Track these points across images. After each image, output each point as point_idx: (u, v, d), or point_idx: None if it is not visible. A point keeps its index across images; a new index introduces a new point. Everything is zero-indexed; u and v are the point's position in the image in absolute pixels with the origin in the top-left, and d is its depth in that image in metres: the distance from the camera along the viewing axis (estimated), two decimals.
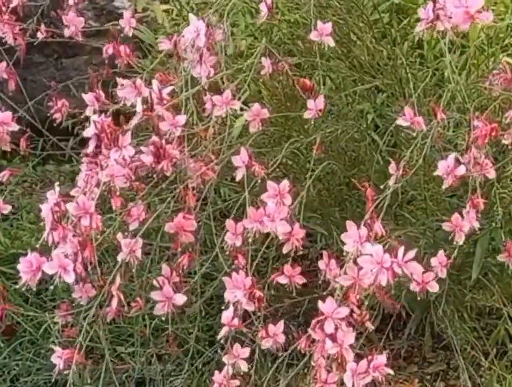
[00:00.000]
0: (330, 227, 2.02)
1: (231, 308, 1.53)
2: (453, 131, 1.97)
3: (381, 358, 1.48)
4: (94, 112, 1.65)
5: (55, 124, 2.16)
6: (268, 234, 1.61)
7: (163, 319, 2.20)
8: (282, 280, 1.60)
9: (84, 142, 2.45)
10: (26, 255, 2.31)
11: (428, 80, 2.02)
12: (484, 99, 1.79)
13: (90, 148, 1.53)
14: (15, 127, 1.79)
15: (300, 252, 1.63)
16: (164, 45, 1.66)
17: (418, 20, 2.43)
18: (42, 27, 2.10)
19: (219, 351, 2.15)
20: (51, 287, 2.33)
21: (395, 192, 1.66)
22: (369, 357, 1.47)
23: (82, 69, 2.88)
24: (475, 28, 2.30)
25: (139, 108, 1.52)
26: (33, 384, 2.19)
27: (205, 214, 1.75)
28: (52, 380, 2.16)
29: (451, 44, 2.31)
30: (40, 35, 2.09)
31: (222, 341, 2.13)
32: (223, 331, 1.55)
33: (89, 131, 1.54)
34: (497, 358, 2.12)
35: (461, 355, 1.99)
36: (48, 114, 2.12)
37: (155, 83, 1.55)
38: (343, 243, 1.73)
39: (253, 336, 1.65)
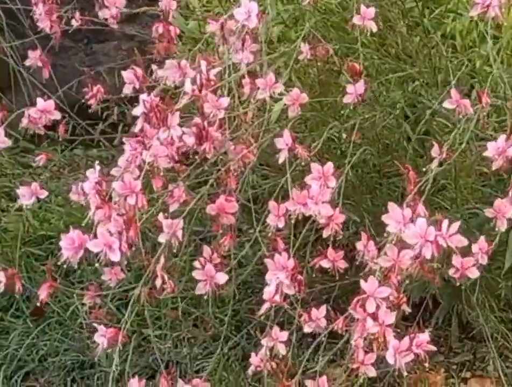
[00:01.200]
0: (362, 213, 2.02)
1: (273, 284, 1.52)
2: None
3: (424, 335, 1.48)
4: (135, 90, 1.65)
5: (83, 109, 2.17)
6: (306, 218, 1.62)
7: (190, 302, 2.24)
8: (325, 264, 1.60)
9: (113, 126, 2.48)
10: (54, 236, 2.33)
11: (462, 70, 2.02)
12: None
13: (138, 126, 1.53)
14: (58, 116, 1.80)
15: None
16: (212, 26, 1.66)
17: (450, 10, 2.46)
18: (77, 14, 2.11)
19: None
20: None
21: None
22: (411, 335, 1.47)
23: (111, 54, 2.89)
24: (509, 18, 2.30)
25: (188, 88, 1.52)
26: (61, 364, 2.21)
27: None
28: (80, 360, 2.22)
29: (483, 35, 2.32)
30: (74, 23, 2.10)
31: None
32: (264, 307, 1.54)
33: (137, 110, 1.54)
34: None
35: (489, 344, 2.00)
36: (82, 100, 2.12)
37: (203, 64, 1.55)
38: (376, 229, 1.75)
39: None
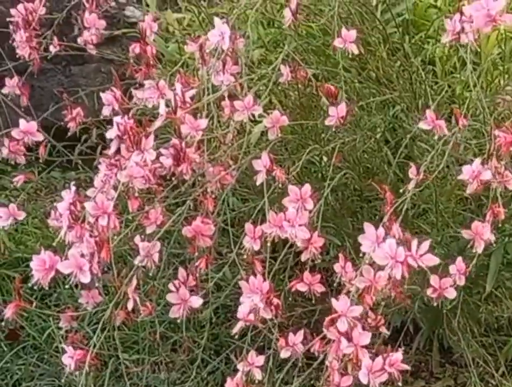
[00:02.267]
0: (343, 237, 2.01)
1: (247, 303, 1.50)
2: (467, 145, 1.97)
3: (397, 355, 1.46)
4: (114, 112, 1.63)
5: (61, 131, 2.15)
6: (285, 242, 1.60)
7: (169, 326, 2.21)
8: (302, 287, 1.58)
9: (92, 149, 2.46)
10: (31, 258, 2.29)
11: (442, 95, 2.03)
12: (504, 110, 1.79)
13: (112, 149, 1.52)
14: (40, 137, 1.78)
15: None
16: (191, 47, 1.65)
17: (429, 36, 2.47)
18: (55, 39, 2.10)
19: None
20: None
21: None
22: (385, 354, 1.46)
23: (90, 77, 2.87)
24: (488, 43, 2.31)
25: (163, 110, 1.50)
26: None
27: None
28: (56, 385, 2.18)
29: (463, 61, 2.33)
30: (52, 49, 2.09)
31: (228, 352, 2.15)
32: (238, 326, 1.52)
33: (111, 133, 1.53)
34: (505, 375, 2.11)
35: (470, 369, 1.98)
36: (60, 122, 2.11)
37: (178, 86, 1.54)
38: (356, 253, 1.73)
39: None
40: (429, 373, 2.21)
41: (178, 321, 1.59)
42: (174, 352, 2.22)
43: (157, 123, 1.50)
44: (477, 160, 1.60)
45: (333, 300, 1.49)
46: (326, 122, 1.67)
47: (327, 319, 1.49)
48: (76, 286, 2.29)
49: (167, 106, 1.52)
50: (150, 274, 1.68)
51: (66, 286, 1.76)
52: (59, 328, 1.98)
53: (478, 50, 2.19)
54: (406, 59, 2.10)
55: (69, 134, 2.17)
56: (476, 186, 1.59)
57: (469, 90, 1.99)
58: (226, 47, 1.58)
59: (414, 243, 1.48)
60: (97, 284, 1.94)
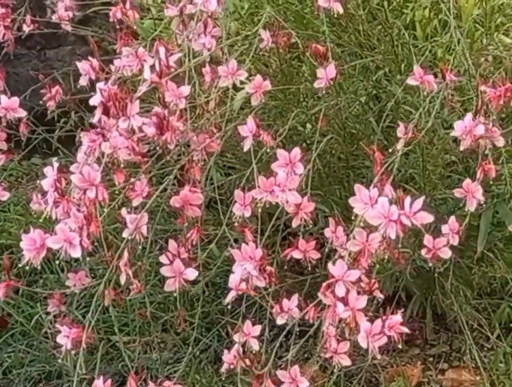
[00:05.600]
0: (331, 206, 1.98)
1: (239, 272, 1.47)
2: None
3: (396, 317, 1.44)
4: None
5: (38, 117, 2.11)
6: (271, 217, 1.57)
7: (159, 306, 2.18)
8: (297, 255, 1.55)
9: (69, 136, 2.42)
10: (15, 246, 2.26)
11: (425, 55, 2.00)
12: (488, 67, 1.77)
13: (96, 117, 1.47)
14: (22, 113, 1.73)
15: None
16: (171, 11, 1.61)
17: (408, 1, 2.44)
18: (28, 18, 2.05)
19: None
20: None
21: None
22: (384, 317, 1.43)
23: (66, 60, 2.83)
24: (468, 5, 2.28)
25: (147, 75, 1.46)
26: (26, 375, 2.14)
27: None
28: (46, 371, 2.15)
29: (443, 24, 2.30)
30: (25, 28, 2.04)
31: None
32: (230, 295, 1.49)
33: (95, 100, 1.48)
34: (500, 338, 2.10)
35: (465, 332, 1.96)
36: (36, 107, 2.07)
37: (161, 49, 1.49)
38: (345, 222, 1.70)
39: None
40: (423, 341, 2.19)
41: (174, 297, 1.54)
42: (165, 332, 2.19)
43: (143, 89, 1.46)
44: (469, 115, 1.57)
45: (329, 265, 1.45)
46: (315, 85, 1.63)
47: (324, 284, 1.46)
48: (62, 270, 2.28)
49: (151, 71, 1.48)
50: (138, 250, 1.65)
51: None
52: (48, 314, 1.94)
53: (458, 12, 2.17)
54: (387, 21, 2.07)
55: (48, 115, 2.12)
56: (469, 142, 1.56)
57: (450, 52, 1.97)
58: (213, 8, 1.54)
59: (407, 201, 1.46)
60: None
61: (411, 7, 2.40)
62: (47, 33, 2.27)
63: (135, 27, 1.70)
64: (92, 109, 1.57)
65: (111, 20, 1.75)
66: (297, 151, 1.52)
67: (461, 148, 1.58)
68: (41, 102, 2.08)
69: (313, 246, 1.58)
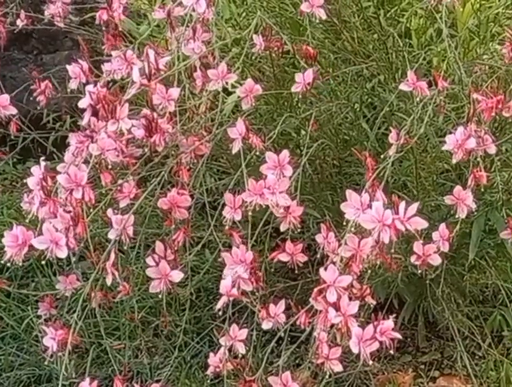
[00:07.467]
0: (323, 211, 1.98)
1: (229, 278, 1.46)
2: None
3: (388, 323, 1.43)
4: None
5: (33, 122, 2.11)
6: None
7: (150, 311, 2.17)
8: (284, 257, 1.55)
9: (64, 140, 2.42)
10: None
11: (418, 66, 2.00)
12: (481, 75, 1.76)
13: (85, 119, 1.47)
14: (13, 111, 1.73)
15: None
16: (158, 14, 1.61)
17: (404, 10, 2.44)
18: (22, 13, 2.04)
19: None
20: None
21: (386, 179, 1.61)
22: (375, 322, 1.42)
23: (62, 64, 2.82)
24: (464, 14, 2.28)
25: (136, 78, 1.46)
26: (16, 379, 2.13)
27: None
28: (36, 374, 2.14)
29: (438, 33, 2.30)
30: (19, 22, 2.04)
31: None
32: (221, 301, 1.48)
33: (83, 102, 1.48)
34: (491, 346, 2.09)
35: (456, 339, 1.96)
36: (32, 110, 2.07)
37: (151, 52, 1.49)
38: (337, 227, 1.69)
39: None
40: (415, 348, 2.19)
41: (160, 304, 1.53)
42: (156, 337, 2.19)
43: (132, 91, 1.45)
44: (460, 129, 1.56)
45: (321, 270, 1.45)
46: (293, 89, 1.62)
47: (315, 289, 1.45)
48: (55, 274, 2.27)
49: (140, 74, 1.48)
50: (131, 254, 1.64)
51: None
52: (38, 317, 1.94)
53: (454, 21, 2.17)
54: (382, 29, 2.07)
55: (40, 123, 2.12)
56: (461, 156, 1.55)
57: (446, 61, 1.96)
58: (202, 10, 1.53)
59: (402, 205, 1.45)
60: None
61: (407, 15, 2.40)
62: (44, 37, 2.27)
63: (120, 28, 1.69)
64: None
65: (96, 22, 1.75)
66: (285, 153, 1.51)
67: (453, 161, 1.57)
68: (38, 107, 2.08)
69: (300, 249, 1.57)
